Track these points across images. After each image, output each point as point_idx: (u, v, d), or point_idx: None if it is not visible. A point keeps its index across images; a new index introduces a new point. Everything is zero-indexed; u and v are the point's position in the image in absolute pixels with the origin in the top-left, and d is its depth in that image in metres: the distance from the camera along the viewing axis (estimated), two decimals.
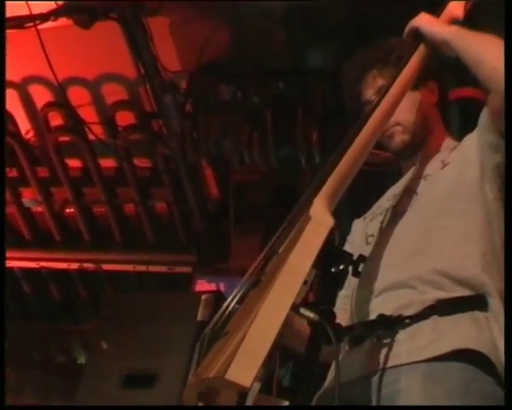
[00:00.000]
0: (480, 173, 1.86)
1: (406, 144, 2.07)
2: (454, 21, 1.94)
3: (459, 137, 2.08)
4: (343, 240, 2.15)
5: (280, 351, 1.48)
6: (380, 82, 2.08)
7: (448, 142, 2.11)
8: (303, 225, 1.52)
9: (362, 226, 2.13)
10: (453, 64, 1.95)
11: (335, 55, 3.95)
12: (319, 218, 1.52)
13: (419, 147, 2.08)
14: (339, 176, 1.67)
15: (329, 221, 1.52)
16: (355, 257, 1.57)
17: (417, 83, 2.04)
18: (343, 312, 1.97)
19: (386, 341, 1.75)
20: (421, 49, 1.96)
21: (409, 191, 2.01)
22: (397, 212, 1.99)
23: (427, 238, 1.85)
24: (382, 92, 1.89)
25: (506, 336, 1.61)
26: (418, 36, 1.96)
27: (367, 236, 2.03)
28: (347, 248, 2.11)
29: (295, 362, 1.53)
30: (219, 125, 4.18)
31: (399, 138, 2.06)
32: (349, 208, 4.21)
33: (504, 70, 1.70)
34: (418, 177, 2.03)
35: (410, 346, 1.71)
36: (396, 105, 1.91)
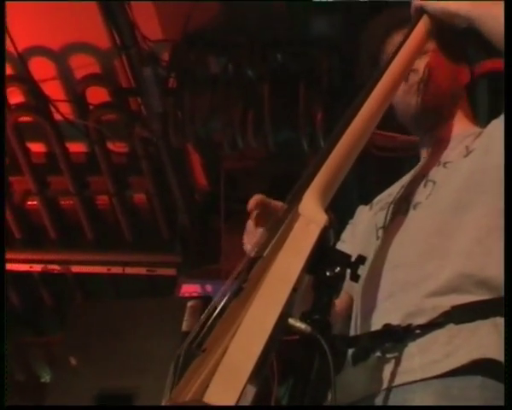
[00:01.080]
0: None
1: (432, 106, 2.08)
2: None
3: (488, 116, 2.10)
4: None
5: (278, 367, 1.49)
6: None
7: (472, 128, 2.12)
8: (291, 224, 1.52)
9: (368, 216, 2.14)
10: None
11: (342, 22, 3.96)
12: (310, 215, 1.52)
13: (441, 122, 2.10)
14: (333, 166, 1.67)
15: (322, 218, 1.52)
16: (353, 258, 1.58)
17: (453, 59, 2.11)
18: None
19: (393, 355, 1.76)
20: (424, 22, 2.00)
21: (425, 180, 2.02)
22: (410, 202, 1.99)
23: (444, 234, 1.86)
24: (383, 67, 1.91)
25: (506, 336, 1.63)
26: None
27: (377, 228, 2.04)
28: (347, 235, 2.13)
29: (296, 379, 1.54)
30: (208, 104, 4.18)
31: (426, 97, 2.08)
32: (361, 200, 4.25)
33: (504, 70, 1.75)
34: (436, 164, 2.05)
35: (421, 360, 1.72)
36: (399, 81, 1.93)
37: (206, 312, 1.54)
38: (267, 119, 4.12)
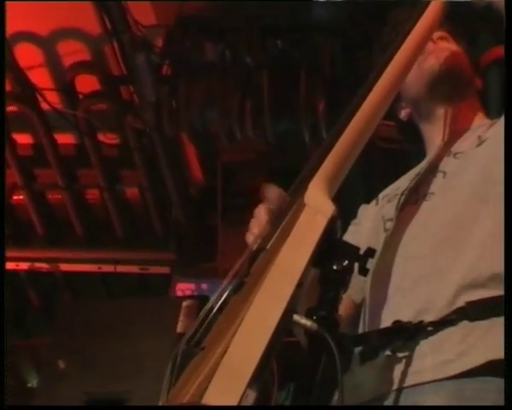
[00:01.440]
0: None
1: (449, 70, 2.09)
2: None
3: (499, 104, 2.11)
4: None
5: (278, 369, 1.48)
6: None
7: (484, 119, 2.14)
8: (296, 215, 1.51)
9: (375, 210, 2.14)
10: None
11: (346, 7, 3.95)
12: (316, 205, 1.51)
13: (454, 97, 2.11)
14: (340, 153, 1.65)
15: (329, 208, 1.50)
16: (362, 251, 1.57)
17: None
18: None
19: (404, 354, 1.75)
20: (434, 7, 2.00)
21: (434, 170, 2.03)
22: (420, 193, 2.00)
23: (459, 225, 1.86)
24: (392, 51, 1.91)
25: (506, 337, 1.63)
26: None
27: (385, 220, 2.03)
28: (350, 237, 2.12)
29: (298, 383, 1.53)
30: (204, 93, 4.18)
31: (445, 60, 2.09)
32: (365, 195, 4.25)
33: (505, 70, 1.75)
34: (446, 154, 2.05)
35: (433, 360, 1.71)
36: (409, 66, 1.93)
37: (205, 308, 1.53)
38: (266, 109, 4.12)
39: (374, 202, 2.19)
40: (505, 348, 1.62)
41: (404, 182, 2.12)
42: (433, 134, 2.16)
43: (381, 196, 2.18)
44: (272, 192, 1.78)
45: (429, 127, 2.19)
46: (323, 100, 4.06)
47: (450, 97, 2.12)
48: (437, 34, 2.11)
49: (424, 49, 2.04)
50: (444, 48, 2.12)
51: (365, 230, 2.11)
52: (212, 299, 1.54)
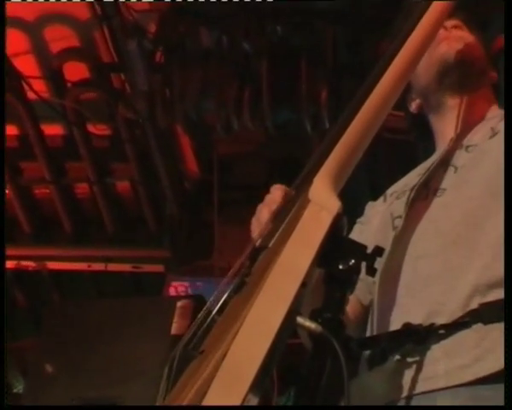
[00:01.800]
0: None
1: (465, 58, 2.10)
2: None
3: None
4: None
5: (278, 373, 1.48)
6: None
7: (496, 109, 2.15)
8: (300, 211, 1.50)
9: (383, 208, 2.14)
10: None
11: None
12: (321, 200, 1.50)
13: (466, 86, 2.11)
14: (347, 146, 1.64)
15: (335, 204, 1.50)
16: (369, 249, 1.56)
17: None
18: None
19: (415, 358, 1.75)
20: None
21: (445, 165, 2.03)
22: (431, 189, 2.00)
23: (472, 222, 1.86)
24: (403, 38, 1.91)
25: (506, 336, 1.63)
26: None
27: (393, 218, 2.03)
28: (356, 236, 2.12)
29: (298, 388, 1.53)
30: (199, 81, 4.18)
31: (462, 49, 2.10)
32: (370, 191, 4.26)
33: (504, 69, 1.77)
34: (458, 147, 2.05)
35: (446, 365, 1.71)
36: (421, 53, 1.93)
37: (203, 309, 1.53)
38: (265, 98, 4.12)
39: (381, 198, 2.19)
40: (505, 347, 1.63)
41: (413, 177, 2.12)
42: (444, 126, 2.16)
43: (388, 192, 2.18)
44: (278, 192, 1.78)
45: (440, 119, 2.19)
46: (326, 88, 4.07)
47: (461, 87, 2.12)
48: (450, 23, 2.11)
49: (436, 37, 2.05)
50: (457, 36, 2.12)
51: (373, 228, 2.11)
52: (211, 299, 1.54)
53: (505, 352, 1.62)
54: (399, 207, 2.03)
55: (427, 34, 1.94)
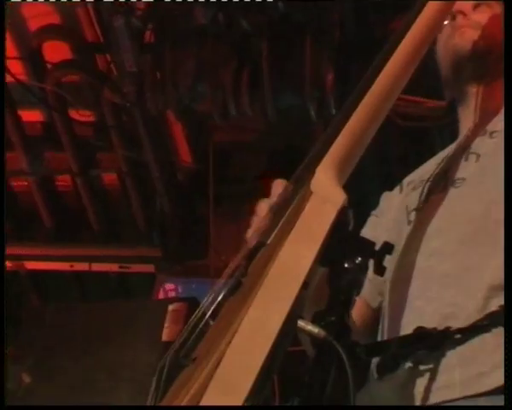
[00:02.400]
0: None
1: (479, 48, 2.10)
2: None
3: None
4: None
5: (279, 382, 1.49)
6: None
7: None
8: (302, 204, 1.51)
9: (399, 199, 2.15)
10: None
11: None
12: (325, 192, 1.51)
13: (486, 76, 2.12)
14: (352, 133, 1.65)
15: (339, 197, 1.50)
16: (378, 246, 1.56)
17: None
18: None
19: (428, 366, 1.75)
20: None
21: (466, 152, 2.03)
22: (449, 179, 2.00)
23: (492, 216, 1.86)
24: (413, 17, 1.92)
25: (506, 337, 1.65)
26: None
27: (408, 211, 2.04)
28: (369, 230, 2.13)
29: (302, 399, 1.53)
30: (193, 62, 4.18)
31: (476, 40, 2.11)
32: (380, 181, 4.26)
33: (504, 69, 1.79)
34: (480, 133, 2.06)
35: (463, 373, 1.71)
36: (432, 32, 1.94)
37: (196, 313, 1.53)
38: (266, 81, 4.12)
39: (397, 188, 2.19)
40: (505, 347, 1.64)
41: (431, 166, 2.13)
42: (466, 114, 2.17)
43: (405, 182, 2.18)
44: (280, 188, 1.78)
45: (462, 108, 2.20)
46: (331, 70, 4.07)
47: (479, 77, 2.13)
48: (471, 3, 2.11)
49: (452, 24, 2.06)
50: (474, 23, 2.12)
51: (388, 222, 2.11)
52: (204, 302, 1.54)
53: (505, 352, 1.63)
54: (416, 198, 2.03)
55: (441, 9, 1.95)
